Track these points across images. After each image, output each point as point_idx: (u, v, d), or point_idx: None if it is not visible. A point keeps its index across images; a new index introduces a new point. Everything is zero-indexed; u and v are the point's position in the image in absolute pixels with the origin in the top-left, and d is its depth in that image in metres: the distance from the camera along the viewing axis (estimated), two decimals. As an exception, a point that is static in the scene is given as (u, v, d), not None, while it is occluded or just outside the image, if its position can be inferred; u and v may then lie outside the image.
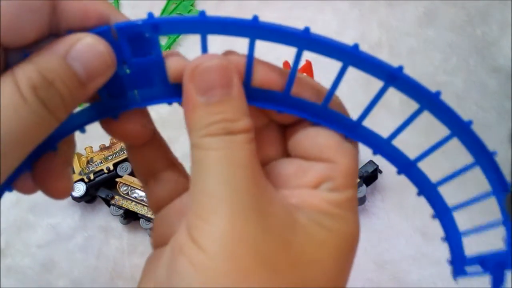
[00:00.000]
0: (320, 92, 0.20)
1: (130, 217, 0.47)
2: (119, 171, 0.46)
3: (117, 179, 0.46)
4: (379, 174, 0.46)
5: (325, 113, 0.20)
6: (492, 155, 0.20)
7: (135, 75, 0.19)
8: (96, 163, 0.46)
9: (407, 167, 0.21)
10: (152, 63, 0.19)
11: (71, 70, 0.17)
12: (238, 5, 0.55)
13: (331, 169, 0.19)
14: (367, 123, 0.20)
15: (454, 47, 0.52)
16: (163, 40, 0.55)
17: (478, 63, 0.51)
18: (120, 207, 0.45)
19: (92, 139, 0.47)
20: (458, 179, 0.21)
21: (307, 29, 0.18)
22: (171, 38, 0.54)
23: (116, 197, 0.46)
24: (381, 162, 0.45)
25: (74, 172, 0.46)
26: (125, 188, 0.46)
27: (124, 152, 0.47)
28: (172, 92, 0.19)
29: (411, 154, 0.21)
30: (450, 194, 0.22)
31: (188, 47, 0.54)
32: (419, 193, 0.21)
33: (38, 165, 0.20)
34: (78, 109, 0.20)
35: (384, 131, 0.21)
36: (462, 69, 0.51)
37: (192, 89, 0.18)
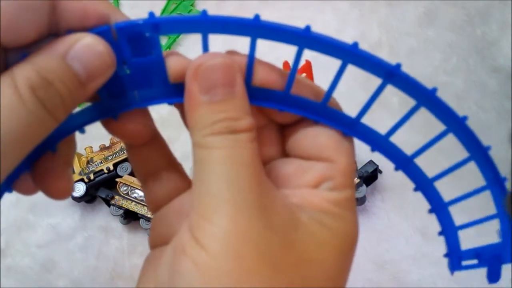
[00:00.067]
0: (318, 92, 0.20)
1: (130, 217, 0.47)
2: (119, 171, 0.46)
3: (117, 179, 0.46)
4: (379, 174, 0.46)
5: (325, 111, 0.20)
6: (486, 149, 0.20)
7: (135, 75, 0.19)
8: (96, 163, 0.46)
9: (405, 163, 0.21)
10: (152, 63, 0.19)
11: (70, 70, 0.17)
12: (238, 5, 0.55)
13: (331, 168, 0.19)
14: (366, 122, 0.20)
15: (454, 47, 0.52)
16: (163, 40, 0.55)
17: (478, 63, 0.51)
18: (120, 207, 0.45)
19: (92, 139, 0.47)
20: (454, 177, 0.22)
21: (308, 28, 0.18)
22: (171, 38, 0.54)
23: (116, 197, 0.46)
24: (381, 162, 0.45)
25: (74, 172, 0.46)
26: (125, 188, 0.46)
27: (124, 152, 0.47)
28: (173, 92, 0.19)
29: (409, 153, 0.21)
30: (448, 193, 0.22)
31: (188, 46, 0.54)
32: (416, 189, 0.22)
33: (38, 166, 0.20)
34: (77, 109, 0.20)
35: (383, 131, 0.21)
36: (462, 69, 0.51)
37: (195, 88, 0.18)
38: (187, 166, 0.22)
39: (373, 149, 0.21)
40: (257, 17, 0.18)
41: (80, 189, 0.45)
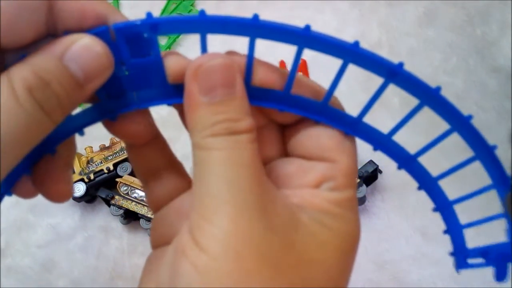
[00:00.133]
0: (318, 91, 0.20)
1: (130, 217, 0.47)
2: (119, 171, 0.46)
3: (117, 179, 0.46)
4: (379, 174, 0.46)
5: (326, 110, 0.20)
6: (492, 149, 0.20)
7: (134, 76, 0.19)
8: (96, 163, 0.46)
9: (408, 162, 0.21)
10: (151, 64, 0.19)
11: (68, 71, 0.17)
12: (238, 5, 0.55)
13: (332, 168, 0.19)
14: (367, 122, 0.20)
15: (454, 47, 0.52)
16: (163, 40, 0.55)
17: (478, 63, 0.51)
18: (120, 207, 0.45)
19: (92, 139, 0.47)
20: (458, 177, 0.21)
21: (307, 27, 0.17)
22: (171, 38, 0.54)
23: (116, 197, 0.46)
24: (381, 162, 0.45)
25: (74, 172, 0.46)
26: (125, 188, 0.46)
27: (124, 152, 0.47)
28: (172, 93, 0.19)
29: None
30: (448, 193, 0.22)
31: (188, 47, 0.54)
32: (420, 188, 0.21)
33: (38, 168, 0.20)
34: (77, 110, 0.20)
35: (384, 131, 0.21)
36: (462, 69, 0.51)
37: (195, 89, 0.18)
38: (188, 166, 0.22)
39: (375, 148, 0.20)
40: (255, 16, 0.17)
41: (80, 189, 0.45)
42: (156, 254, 0.21)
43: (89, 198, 0.47)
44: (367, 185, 0.45)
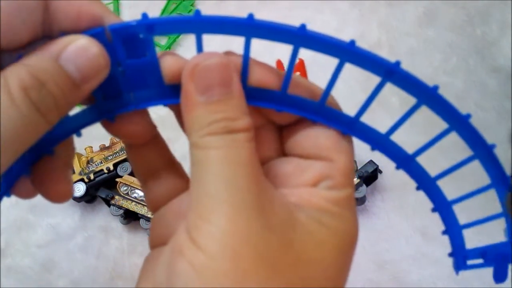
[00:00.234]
0: (315, 92, 0.20)
1: (130, 217, 0.47)
2: (119, 171, 0.46)
3: (117, 179, 0.46)
4: (379, 174, 0.46)
5: (323, 110, 0.19)
6: (491, 148, 0.20)
7: (130, 76, 0.19)
8: (96, 163, 0.46)
9: (406, 161, 0.21)
10: (147, 65, 0.19)
11: (64, 71, 0.17)
12: (238, 5, 0.55)
13: (330, 167, 0.19)
14: (365, 122, 0.20)
15: (454, 47, 0.52)
16: (163, 40, 0.55)
17: (478, 63, 0.51)
18: (120, 207, 0.45)
19: (92, 139, 0.47)
20: (457, 177, 0.21)
21: (303, 26, 0.17)
22: (171, 38, 0.54)
23: (116, 197, 0.46)
24: (381, 162, 0.45)
25: (74, 172, 0.46)
26: (125, 188, 0.46)
27: (124, 152, 0.47)
28: (168, 93, 0.19)
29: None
30: (447, 193, 0.22)
31: (188, 47, 0.54)
32: (418, 188, 0.21)
33: (37, 169, 0.20)
34: (74, 111, 0.20)
35: (383, 131, 0.21)
36: (462, 69, 0.51)
37: (191, 88, 0.18)
38: (186, 166, 0.22)
39: (373, 148, 0.20)
40: (251, 16, 0.17)
41: (80, 189, 0.45)
42: (154, 254, 0.21)
43: (89, 198, 0.47)
44: (367, 185, 0.45)
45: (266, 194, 0.18)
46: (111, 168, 0.46)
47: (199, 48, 0.18)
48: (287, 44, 0.18)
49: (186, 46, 0.54)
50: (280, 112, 0.20)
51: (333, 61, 0.19)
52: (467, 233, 0.22)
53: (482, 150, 0.20)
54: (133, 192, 0.46)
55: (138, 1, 0.57)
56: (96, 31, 0.18)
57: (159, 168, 0.22)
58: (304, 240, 0.18)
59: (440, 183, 0.21)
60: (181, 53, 0.19)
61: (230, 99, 0.18)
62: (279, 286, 0.17)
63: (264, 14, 0.54)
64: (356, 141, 0.21)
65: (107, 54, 0.18)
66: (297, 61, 0.19)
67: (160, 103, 0.20)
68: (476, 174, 0.21)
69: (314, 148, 0.20)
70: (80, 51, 0.17)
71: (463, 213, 0.22)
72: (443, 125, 0.20)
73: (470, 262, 0.22)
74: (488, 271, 0.21)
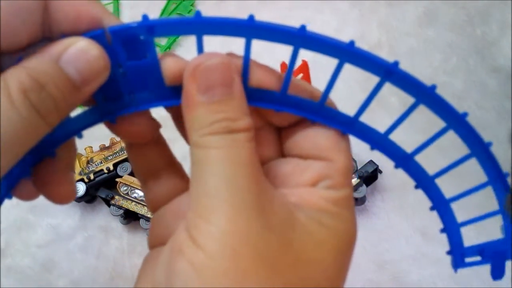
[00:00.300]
0: (314, 94, 0.20)
1: (130, 217, 0.47)
2: (119, 171, 0.46)
3: (117, 179, 0.46)
4: (379, 174, 0.46)
5: (322, 110, 0.20)
6: (487, 146, 0.20)
7: (131, 78, 0.19)
8: (96, 163, 0.46)
9: (404, 160, 0.21)
10: (147, 66, 0.19)
11: (64, 73, 0.17)
12: (238, 5, 0.55)
13: (329, 167, 0.19)
14: (365, 122, 0.20)
15: (454, 47, 0.52)
16: (163, 41, 0.55)
17: (478, 63, 0.51)
18: (120, 207, 0.45)
19: (92, 139, 0.47)
20: (451, 176, 0.21)
21: (303, 27, 0.18)
22: (171, 38, 0.54)
23: (116, 197, 0.46)
24: (381, 162, 0.45)
25: (74, 173, 0.46)
26: (125, 188, 0.46)
27: (124, 152, 0.47)
28: (169, 94, 0.19)
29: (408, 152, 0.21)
30: (445, 192, 0.22)
31: (188, 47, 0.54)
32: (417, 186, 0.21)
33: (39, 171, 0.20)
34: (75, 113, 0.20)
35: (382, 130, 0.21)
36: (462, 69, 0.51)
37: (193, 88, 0.18)
38: (187, 167, 0.22)
39: (372, 148, 0.21)
40: (251, 17, 0.18)
41: (80, 189, 0.45)
42: (153, 254, 0.21)
43: (89, 198, 0.47)
44: (367, 185, 0.45)
45: (266, 194, 0.18)
46: (111, 168, 0.46)
47: (200, 49, 0.18)
48: (287, 45, 0.18)
49: (186, 46, 0.54)
50: (279, 112, 0.20)
51: (333, 62, 0.19)
52: (464, 231, 0.22)
53: (479, 148, 0.20)
54: (133, 192, 0.46)
55: (138, 2, 0.57)
56: (96, 33, 0.18)
57: (160, 168, 0.22)
58: (303, 240, 0.18)
59: (438, 181, 0.21)
60: (181, 54, 0.19)
61: (231, 99, 0.18)
62: (278, 286, 0.17)
63: (264, 14, 0.55)
64: (356, 141, 0.21)
65: (107, 56, 0.18)
66: (298, 62, 0.19)
67: (161, 104, 0.20)
68: (473, 172, 0.21)
69: (313, 148, 0.20)
70: (80, 54, 0.17)
71: (460, 211, 0.23)
72: (441, 124, 0.20)
73: (468, 259, 0.22)
74: (487, 270, 0.21)
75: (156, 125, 0.21)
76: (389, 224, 0.46)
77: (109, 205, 0.46)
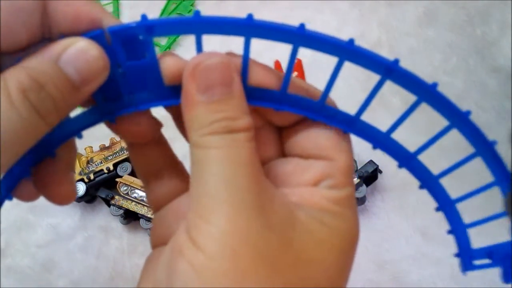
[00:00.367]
0: (313, 93, 0.20)
1: (130, 217, 0.47)
2: (119, 171, 0.46)
3: (117, 179, 0.46)
4: (379, 174, 0.46)
5: (323, 109, 0.19)
6: (492, 144, 0.19)
7: (131, 78, 0.19)
8: (96, 163, 0.46)
9: (408, 160, 0.21)
10: (147, 66, 0.19)
11: (63, 74, 0.17)
12: (238, 5, 0.55)
13: (330, 166, 0.19)
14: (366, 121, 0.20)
15: (454, 47, 0.52)
16: (163, 40, 0.55)
17: (478, 63, 0.51)
18: (120, 207, 0.45)
19: (92, 139, 0.47)
20: (457, 178, 0.21)
21: (302, 25, 0.17)
22: (171, 38, 0.54)
23: (116, 197, 0.46)
24: (381, 162, 0.45)
25: (74, 173, 0.46)
26: (125, 188, 0.46)
27: (124, 152, 0.47)
28: (168, 94, 0.19)
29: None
30: (451, 193, 0.22)
31: (188, 47, 0.54)
32: (421, 186, 0.21)
33: (39, 171, 0.20)
34: (75, 113, 0.20)
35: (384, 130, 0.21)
36: (462, 69, 0.51)
37: (192, 88, 0.18)
38: (188, 166, 0.22)
39: (374, 147, 0.20)
40: (250, 16, 0.17)
41: (80, 189, 0.45)
42: (154, 254, 0.21)
43: (89, 198, 0.47)
44: (367, 185, 0.45)
45: (266, 193, 0.18)
46: (111, 168, 0.46)
47: (199, 48, 0.18)
48: (287, 44, 0.18)
49: (186, 46, 0.54)
50: (279, 112, 0.20)
51: (332, 62, 0.19)
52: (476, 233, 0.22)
53: (484, 147, 0.19)
54: (133, 192, 0.46)
55: (138, 2, 0.57)
56: (95, 33, 0.18)
57: (161, 168, 0.22)
58: (304, 239, 0.18)
59: (445, 179, 0.21)
60: (181, 53, 0.19)
61: (230, 98, 0.18)
62: (278, 286, 0.17)
63: (264, 14, 0.55)
64: (356, 141, 0.21)
65: (107, 56, 0.18)
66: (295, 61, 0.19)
67: (160, 104, 0.20)
68: (477, 174, 0.21)
69: (314, 148, 0.20)
70: (79, 54, 0.17)
71: (463, 213, 0.22)
72: (442, 125, 0.20)
73: (477, 262, 0.22)
74: (489, 271, 0.21)
75: (157, 125, 0.21)
76: (389, 224, 0.45)
77: (109, 205, 0.46)
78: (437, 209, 0.22)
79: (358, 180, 0.44)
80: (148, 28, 0.18)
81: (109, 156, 0.47)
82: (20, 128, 0.16)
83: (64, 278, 0.46)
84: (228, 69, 0.18)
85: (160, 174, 0.22)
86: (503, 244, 0.21)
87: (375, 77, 0.19)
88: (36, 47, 0.17)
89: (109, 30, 0.18)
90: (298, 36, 0.18)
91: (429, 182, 0.21)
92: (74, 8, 0.18)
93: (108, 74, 0.18)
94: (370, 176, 0.44)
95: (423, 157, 0.21)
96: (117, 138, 0.47)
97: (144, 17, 0.18)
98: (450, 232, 0.22)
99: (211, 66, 0.18)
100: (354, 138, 0.21)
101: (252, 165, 0.17)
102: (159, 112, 0.21)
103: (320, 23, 0.54)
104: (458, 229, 0.22)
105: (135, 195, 0.46)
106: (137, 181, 0.46)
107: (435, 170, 0.21)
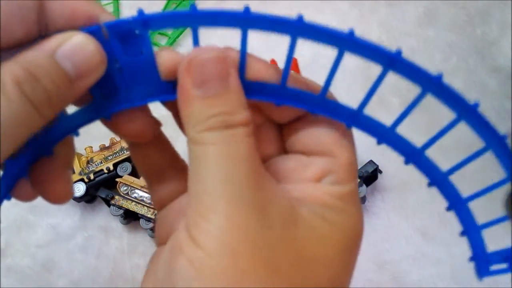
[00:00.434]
0: (313, 87, 0.19)
1: (130, 217, 0.47)
2: (119, 171, 0.46)
3: (117, 179, 0.46)
4: (379, 174, 0.46)
5: (324, 102, 0.19)
6: (503, 138, 0.18)
7: (128, 73, 0.19)
8: (96, 163, 0.46)
9: (415, 155, 0.20)
10: (144, 61, 0.19)
11: (59, 67, 0.17)
12: (238, 5, 0.55)
13: (333, 162, 0.19)
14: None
15: (454, 47, 0.52)
16: (163, 40, 0.55)
17: (478, 63, 0.51)
18: (120, 207, 0.45)
19: (92, 139, 0.47)
20: (457, 179, 0.21)
21: (301, 17, 0.17)
22: (171, 37, 0.54)
23: (116, 197, 0.46)
24: (381, 162, 0.45)
25: (74, 172, 0.46)
26: (125, 188, 0.46)
27: (124, 152, 0.47)
28: (165, 89, 0.19)
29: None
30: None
31: (188, 46, 0.54)
32: (430, 184, 0.20)
33: (36, 170, 0.19)
34: (72, 110, 0.19)
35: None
36: (462, 69, 0.51)
37: (188, 82, 0.18)
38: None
39: (379, 142, 0.20)
40: (247, 9, 0.17)
41: (80, 189, 0.45)
42: (157, 253, 0.21)
43: (89, 198, 0.47)
44: (367, 185, 0.45)
45: (267, 189, 0.17)
46: (111, 168, 0.46)
47: (195, 42, 0.18)
48: (286, 45, 0.18)
49: (186, 46, 0.54)
50: (280, 107, 0.19)
51: (331, 62, 0.18)
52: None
53: (494, 140, 0.18)
54: (133, 192, 0.46)
55: (138, 1, 0.57)
56: (92, 29, 0.18)
57: (163, 167, 0.22)
58: (305, 235, 0.17)
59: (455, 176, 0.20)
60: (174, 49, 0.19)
61: (227, 93, 0.17)
62: (278, 286, 0.16)
63: (264, 14, 0.54)
64: (356, 141, 0.20)
65: (104, 51, 0.18)
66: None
67: (157, 99, 0.19)
68: (476, 174, 0.21)
69: (316, 144, 0.19)
70: (76, 48, 0.17)
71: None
72: (443, 124, 0.19)
73: (493, 267, 0.20)
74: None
75: (156, 124, 0.21)
76: (389, 224, 0.45)
77: (109, 205, 0.46)
78: (448, 209, 0.20)
79: (358, 180, 0.44)
80: (144, 22, 0.18)
81: (109, 156, 0.47)
82: (14, 120, 0.16)
83: (64, 278, 0.46)
84: (224, 63, 0.18)
85: (163, 173, 0.22)
86: None
87: (374, 77, 0.18)
88: (32, 44, 0.17)
89: (106, 25, 0.18)
90: (297, 28, 0.17)
91: (438, 179, 0.20)
92: (71, 5, 0.18)
93: (105, 69, 0.18)
94: (370, 176, 0.44)
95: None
96: (117, 138, 0.47)
97: (140, 11, 0.18)
98: (463, 233, 0.21)
99: (207, 60, 0.17)
100: (355, 139, 0.20)
101: (251, 160, 0.17)
102: (159, 112, 0.21)
103: (321, 23, 0.54)
104: (471, 230, 0.20)
105: (135, 195, 0.46)
106: (137, 181, 0.46)
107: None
